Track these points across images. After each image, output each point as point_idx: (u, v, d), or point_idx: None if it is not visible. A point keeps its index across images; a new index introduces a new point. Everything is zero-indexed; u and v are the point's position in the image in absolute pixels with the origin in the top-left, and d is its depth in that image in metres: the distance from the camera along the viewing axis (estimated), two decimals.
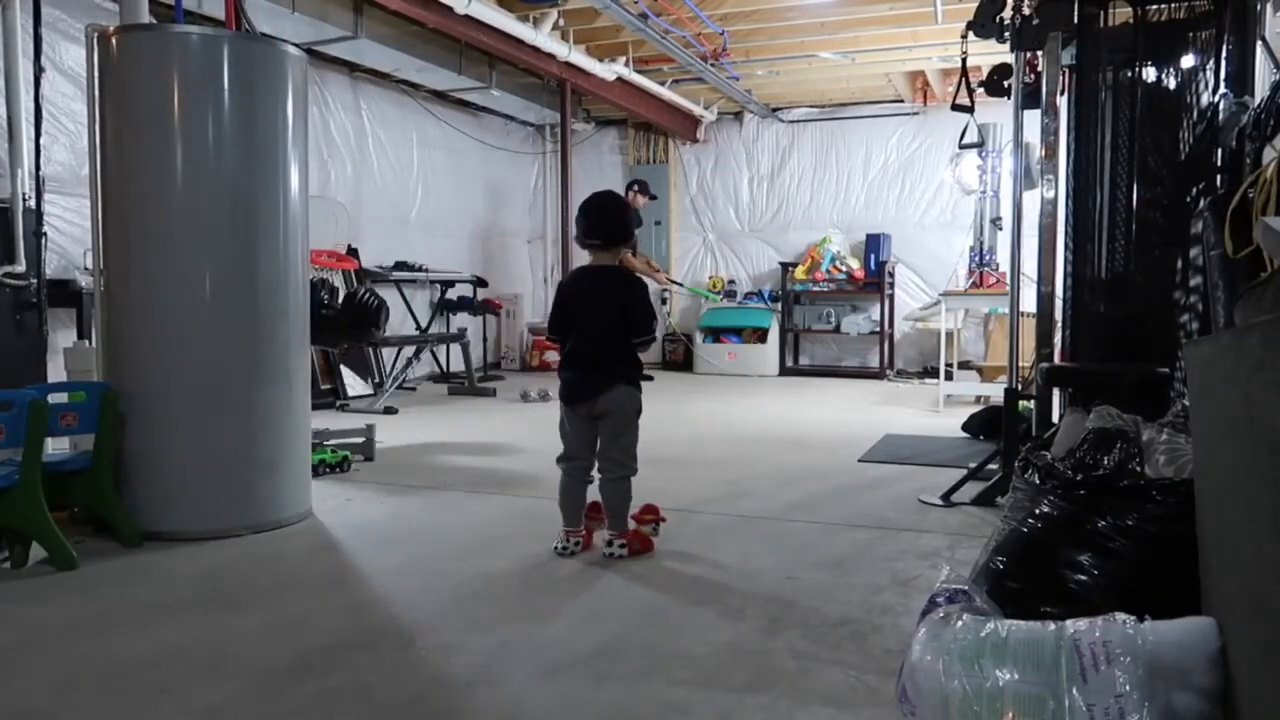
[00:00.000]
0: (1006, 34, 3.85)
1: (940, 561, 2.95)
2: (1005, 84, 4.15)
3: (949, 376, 7.16)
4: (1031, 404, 3.85)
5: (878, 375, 8.90)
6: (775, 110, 9.57)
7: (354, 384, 7.24)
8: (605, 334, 3.09)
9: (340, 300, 6.26)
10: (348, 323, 6.11)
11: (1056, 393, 3.77)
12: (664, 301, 9.65)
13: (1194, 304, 2.96)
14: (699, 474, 4.38)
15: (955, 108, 4.49)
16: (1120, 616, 1.49)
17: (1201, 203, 2.95)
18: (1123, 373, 3.16)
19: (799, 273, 9.20)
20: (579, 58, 7.31)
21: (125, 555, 3.08)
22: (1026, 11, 3.74)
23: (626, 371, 3.08)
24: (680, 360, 9.69)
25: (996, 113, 6.15)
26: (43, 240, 4.64)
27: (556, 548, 3.09)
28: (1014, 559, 2.00)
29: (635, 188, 8.38)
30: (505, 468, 4.58)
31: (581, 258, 3.32)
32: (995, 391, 6.30)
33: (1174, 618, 1.50)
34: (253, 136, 3.30)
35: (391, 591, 2.73)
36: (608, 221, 3.11)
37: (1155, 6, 3.40)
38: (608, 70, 7.66)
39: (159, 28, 3.81)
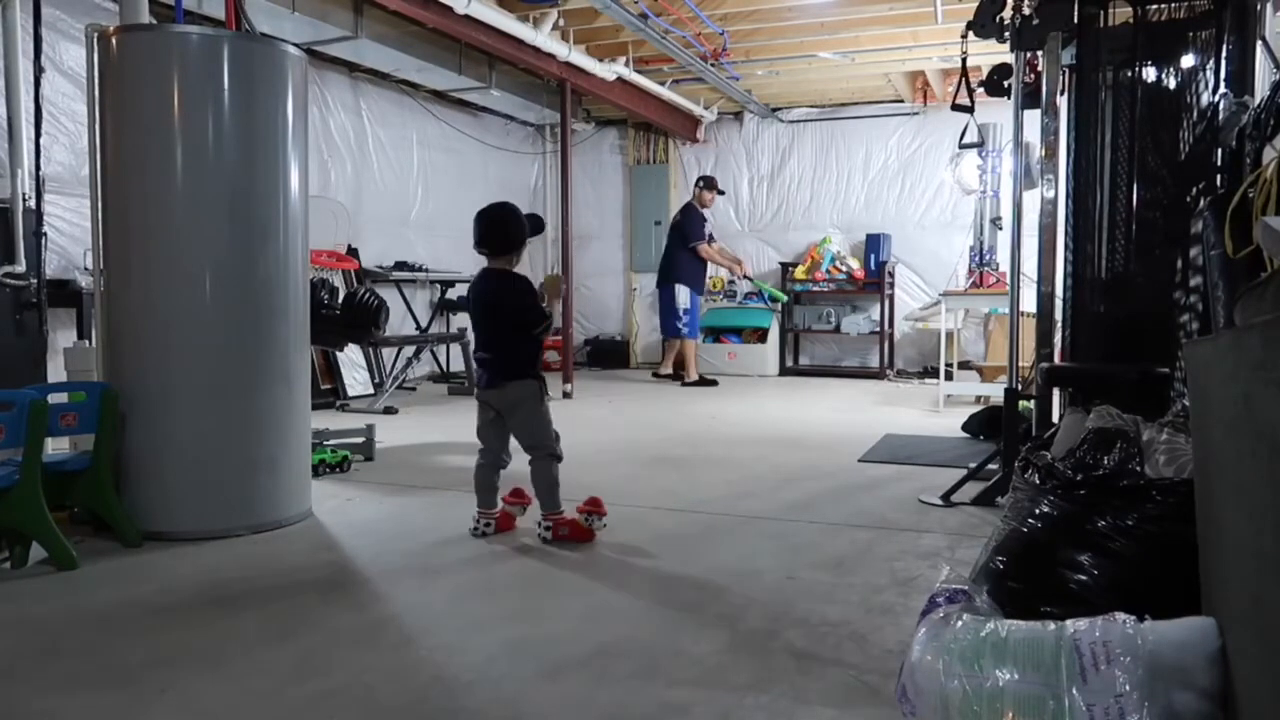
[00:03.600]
0: (1006, 34, 3.84)
1: (940, 561, 2.95)
2: (1005, 84, 4.14)
3: (949, 376, 7.15)
4: (1031, 404, 3.85)
5: (878, 375, 8.90)
6: (775, 110, 9.56)
7: (353, 385, 7.25)
8: (493, 334, 3.33)
9: (340, 300, 6.25)
10: (348, 323, 6.10)
11: (1056, 393, 3.77)
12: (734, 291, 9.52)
13: (1194, 304, 2.96)
14: (699, 474, 4.38)
15: (955, 108, 4.49)
16: (1120, 616, 1.49)
17: (1201, 203, 2.95)
18: (1123, 373, 3.15)
19: (799, 273, 9.20)
20: (579, 58, 7.31)
21: (125, 555, 3.08)
22: (1026, 11, 3.74)
23: (517, 368, 3.27)
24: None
25: (996, 113, 6.14)
26: (43, 240, 4.64)
27: (471, 529, 3.32)
28: (1014, 559, 2.00)
29: (701, 184, 8.57)
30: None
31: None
32: (995, 391, 6.30)
33: (1174, 618, 1.50)
34: (253, 136, 3.30)
35: (391, 591, 2.73)
36: (492, 231, 3.31)
37: (1155, 6, 3.40)
38: (608, 70, 7.66)
39: (159, 28, 3.81)
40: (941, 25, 6.56)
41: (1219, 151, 3.14)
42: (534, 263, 10.45)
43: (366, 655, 2.24)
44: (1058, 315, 3.81)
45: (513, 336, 3.27)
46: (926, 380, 8.60)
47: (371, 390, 7.20)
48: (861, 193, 9.37)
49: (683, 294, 8.43)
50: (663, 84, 8.50)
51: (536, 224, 3.42)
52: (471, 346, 7.54)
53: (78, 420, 3.13)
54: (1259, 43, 3.12)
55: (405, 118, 8.47)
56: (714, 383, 8.37)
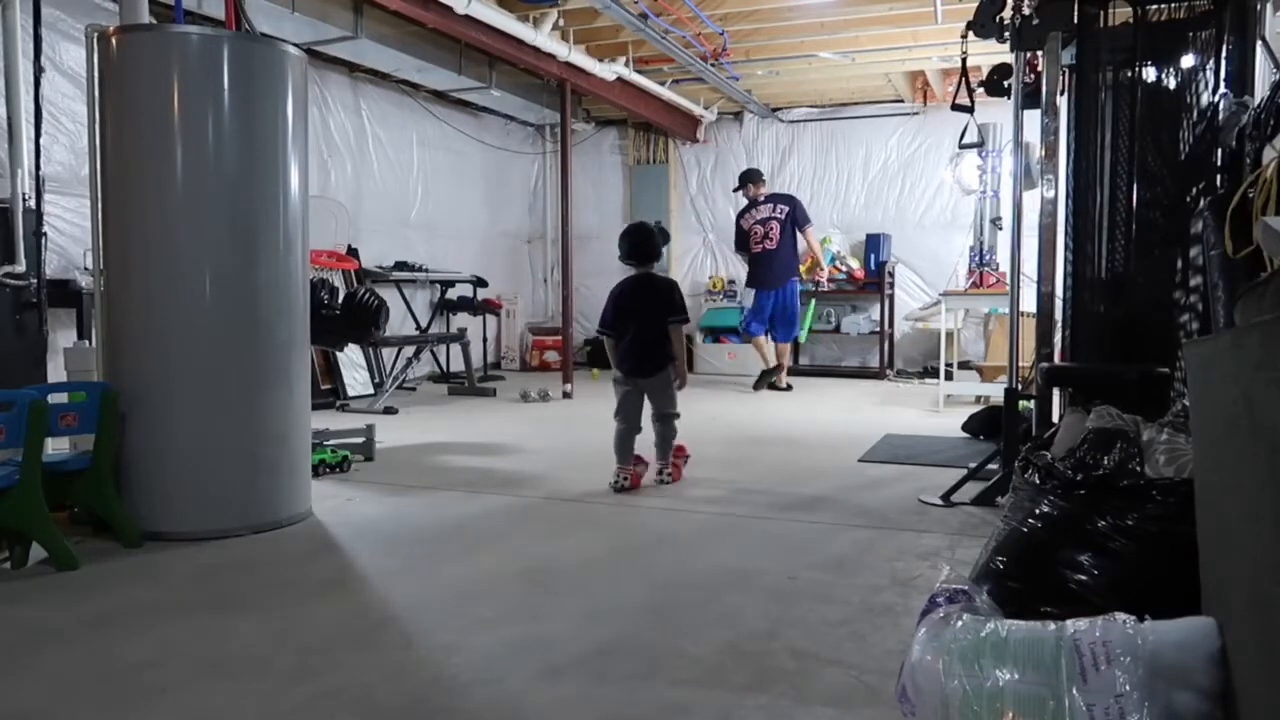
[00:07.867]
0: (1006, 34, 3.84)
1: (940, 561, 2.95)
2: (1005, 84, 4.14)
3: (949, 376, 7.15)
4: (1031, 404, 3.85)
5: (878, 375, 8.89)
6: (775, 110, 9.56)
7: (353, 385, 7.26)
8: (657, 326, 4.15)
9: (340, 300, 6.25)
10: (348, 323, 6.11)
11: (1056, 393, 3.77)
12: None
13: (1194, 304, 2.96)
14: (699, 474, 4.38)
15: (955, 108, 4.48)
16: (1120, 616, 1.49)
17: (1201, 203, 2.95)
18: (1123, 373, 3.15)
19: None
20: (579, 58, 7.31)
21: (125, 555, 3.08)
22: (1026, 11, 3.74)
23: (666, 355, 4.15)
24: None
25: (996, 113, 6.14)
26: (43, 240, 4.63)
27: (611, 484, 4.01)
28: (1014, 559, 2.00)
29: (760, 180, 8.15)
30: (505, 468, 4.58)
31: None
32: (995, 391, 6.30)
33: (1174, 618, 1.50)
34: (253, 136, 3.30)
35: (391, 591, 2.73)
36: (637, 247, 4.26)
37: (1155, 6, 3.40)
38: (608, 70, 7.65)
39: (159, 28, 3.81)
40: (941, 25, 6.56)
41: (1219, 151, 3.14)
42: (534, 263, 10.47)
43: (366, 655, 2.24)
44: (1058, 315, 3.81)
45: (665, 327, 4.12)
46: (926, 380, 8.60)
47: (371, 390, 7.20)
48: (861, 193, 9.36)
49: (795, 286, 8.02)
50: (663, 84, 8.49)
51: (663, 236, 4.27)
52: (461, 348, 7.63)
53: (78, 420, 3.13)
54: (1259, 43, 3.12)
55: (405, 118, 8.47)
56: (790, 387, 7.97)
